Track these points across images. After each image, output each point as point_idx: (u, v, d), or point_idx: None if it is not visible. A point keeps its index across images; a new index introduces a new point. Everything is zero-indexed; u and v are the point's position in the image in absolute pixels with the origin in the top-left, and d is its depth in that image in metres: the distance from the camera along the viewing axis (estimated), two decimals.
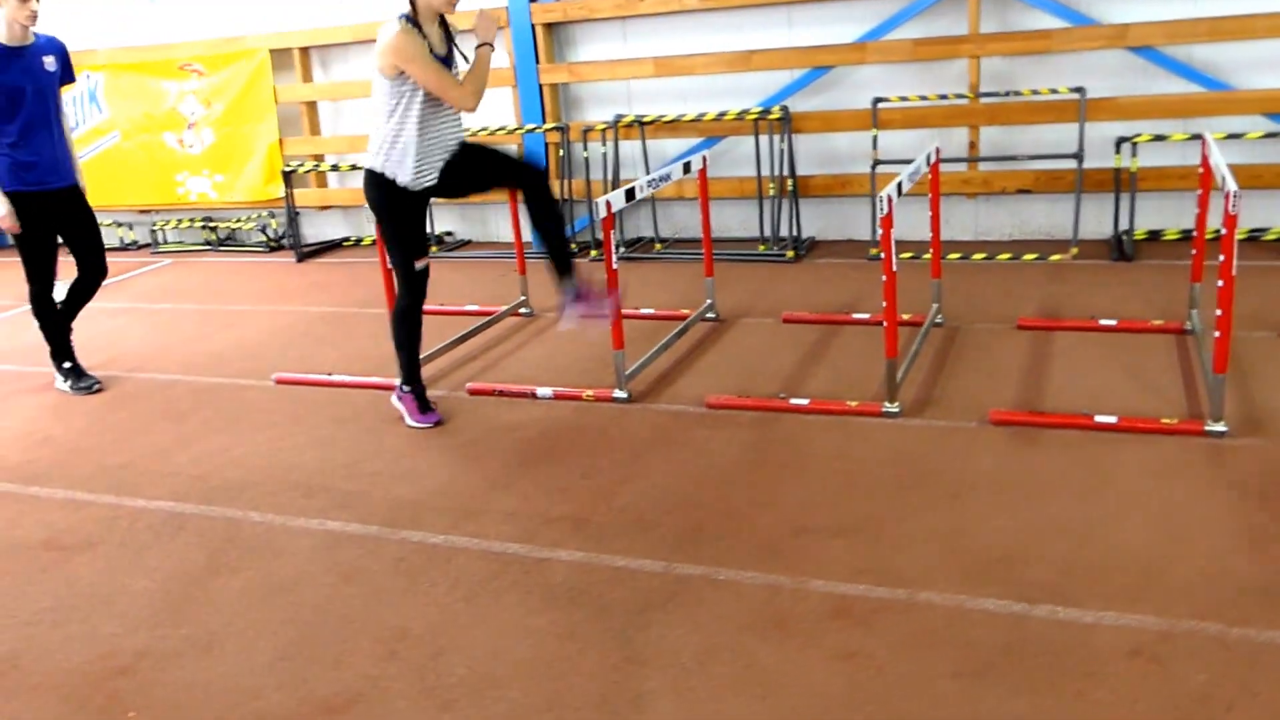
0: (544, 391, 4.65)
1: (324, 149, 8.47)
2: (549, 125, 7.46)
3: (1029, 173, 6.57)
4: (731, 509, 3.49)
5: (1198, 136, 5.94)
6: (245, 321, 6.40)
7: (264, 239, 8.72)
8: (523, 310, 5.96)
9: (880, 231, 3.91)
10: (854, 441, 3.91)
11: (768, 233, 7.00)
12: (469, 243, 8.25)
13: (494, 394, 4.73)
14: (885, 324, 4.03)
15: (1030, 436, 3.82)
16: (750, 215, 7.23)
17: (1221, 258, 3.56)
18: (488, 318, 5.77)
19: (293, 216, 8.28)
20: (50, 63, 4.86)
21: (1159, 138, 6.11)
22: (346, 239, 8.62)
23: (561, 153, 7.50)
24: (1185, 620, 2.67)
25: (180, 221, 9.03)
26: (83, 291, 5.23)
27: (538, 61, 7.43)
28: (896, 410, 4.09)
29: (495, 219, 8.19)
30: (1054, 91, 6.30)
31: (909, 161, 6.52)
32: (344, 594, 3.17)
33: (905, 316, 4.84)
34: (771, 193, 6.95)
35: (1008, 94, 6.43)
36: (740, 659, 2.67)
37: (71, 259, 5.17)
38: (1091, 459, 3.62)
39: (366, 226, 8.59)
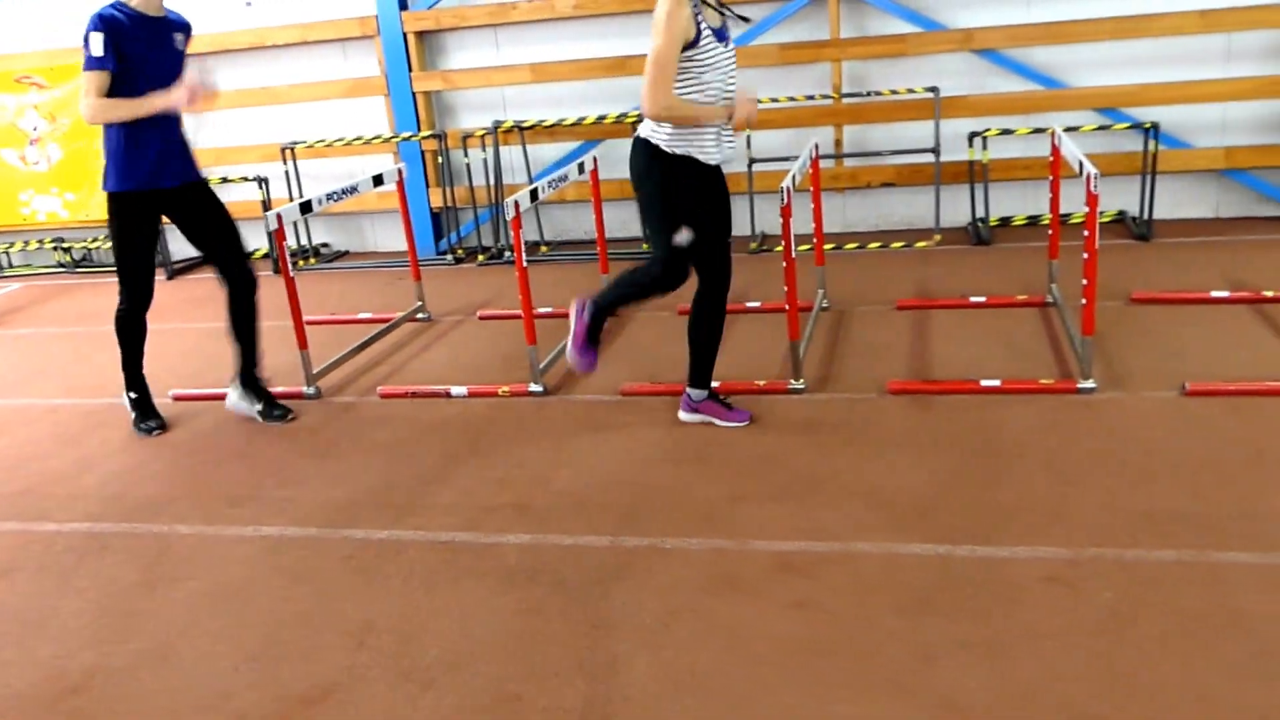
0: (458, 390, 4.75)
1: None
2: (425, 133, 7.52)
3: (891, 167, 7.00)
4: (665, 484, 3.69)
5: (1039, 130, 6.50)
6: None
7: None
8: (420, 315, 6.03)
9: (781, 223, 4.17)
10: (767, 416, 4.17)
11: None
12: (346, 253, 8.22)
13: (408, 396, 4.81)
14: (787, 307, 4.30)
15: (926, 403, 4.15)
16: (631, 216, 7.46)
17: (1086, 234, 3.99)
18: (385, 324, 5.81)
19: (159, 233, 8.04)
20: (180, 40, 4.41)
21: (1006, 132, 6.63)
22: None
23: (440, 160, 7.57)
24: (1088, 548, 3.01)
25: (28, 243, 8.67)
26: (242, 313, 4.66)
27: (410, 70, 7.48)
28: (802, 386, 4.38)
29: (371, 229, 8.18)
30: (911, 91, 6.74)
31: (782, 159, 6.93)
32: (298, 594, 3.22)
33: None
34: None
35: (868, 94, 6.85)
36: (701, 617, 2.87)
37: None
38: (983, 419, 3.97)
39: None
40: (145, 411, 4.75)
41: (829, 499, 3.46)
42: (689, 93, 3.67)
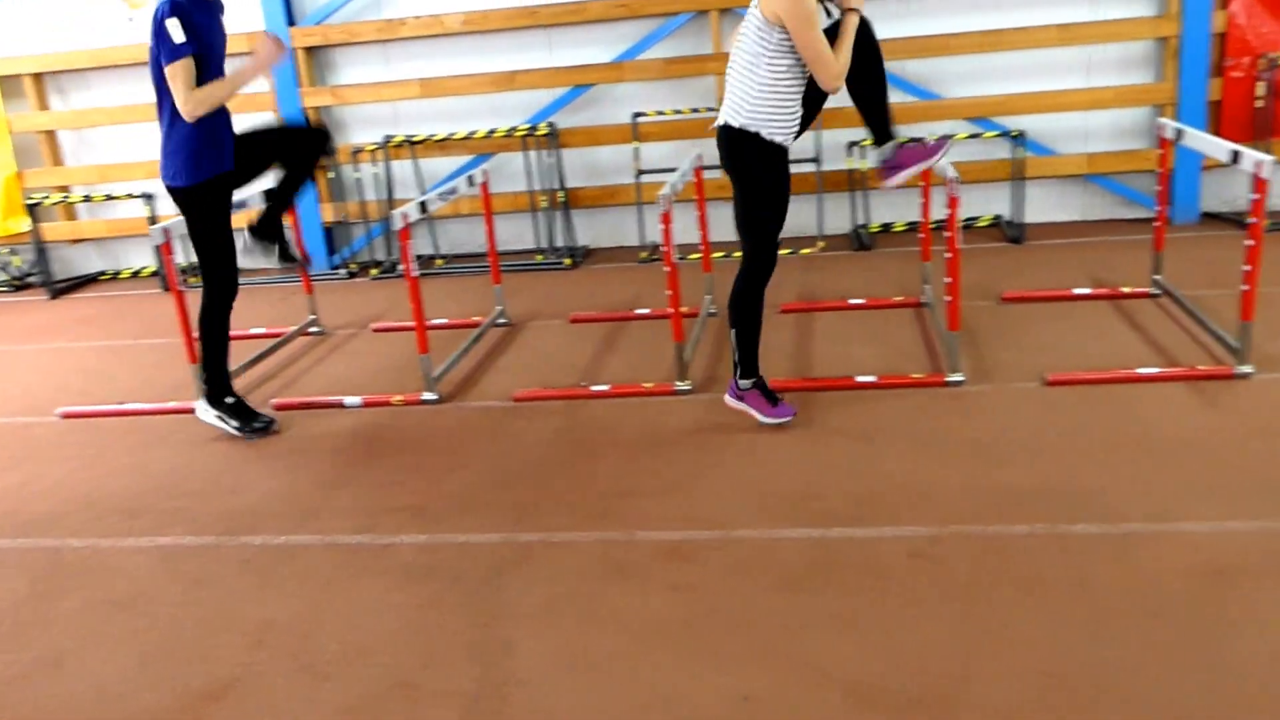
0: (352, 400, 4.81)
1: (71, 180, 8.14)
2: None
3: None
4: (556, 483, 3.82)
5: (915, 139, 6.80)
6: (5, 362, 6.13)
7: (4, 278, 8.26)
8: (313, 329, 6.05)
9: (662, 230, 4.34)
10: (655, 417, 4.33)
11: (544, 243, 7.38)
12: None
13: (301, 407, 4.84)
14: (671, 312, 4.47)
15: (804, 399, 4.36)
16: (524, 228, 7.58)
17: (948, 235, 4.24)
18: (278, 338, 5.82)
19: (41, 252, 7.91)
20: (224, 24, 4.28)
21: None
22: (103, 273, 8.30)
23: (331, 175, 7.59)
24: (950, 525, 3.24)
25: None
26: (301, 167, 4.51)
27: (299, 85, 7.48)
28: (688, 388, 4.55)
29: None
30: None
31: (669, 170, 7.12)
32: (195, 598, 3.26)
33: (684, 309, 5.31)
34: (544, 205, 7.33)
35: None
36: (590, 602, 3.00)
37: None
38: (857, 411, 4.20)
39: (124, 258, 8.32)
40: (247, 414, 4.54)
41: (711, 491, 3.64)
42: (793, 78, 3.74)
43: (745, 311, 4.00)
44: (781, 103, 3.76)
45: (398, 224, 4.50)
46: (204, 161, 4.18)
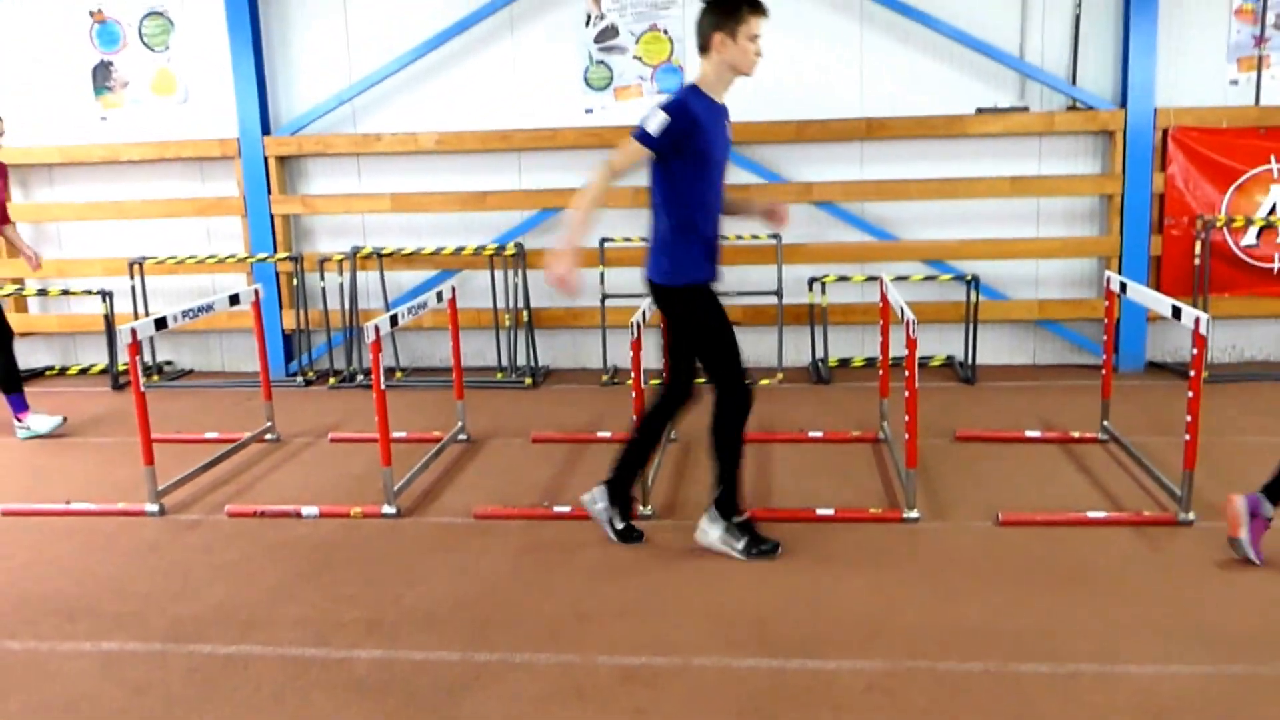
0: (309, 510, 4.75)
1: (24, 273, 8.05)
2: (281, 255, 7.57)
3: (737, 307, 7.39)
4: (514, 602, 3.79)
5: (874, 278, 7.04)
6: None
7: None
8: (268, 436, 6.00)
9: (631, 356, 4.42)
10: (615, 542, 4.33)
11: (505, 361, 7.43)
12: (191, 372, 8.08)
13: (256, 515, 4.77)
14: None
15: (765, 529, 4.36)
16: (485, 345, 7.64)
17: (906, 374, 4.36)
18: (232, 444, 5.76)
19: None
20: (729, 129, 4.10)
21: (843, 279, 7.16)
22: (50, 368, 8.18)
23: (295, 282, 7.63)
24: (905, 660, 3.26)
25: None
26: (725, 419, 4.13)
27: (269, 192, 7.57)
28: (650, 513, 4.57)
29: (219, 347, 8.09)
30: (755, 237, 7.22)
31: (634, 295, 7.24)
32: (137, 705, 3.16)
33: None
34: (507, 324, 7.41)
35: None
36: None
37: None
38: (816, 544, 4.23)
39: (74, 354, 8.23)
40: (755, 535, 4.18)
41: (670, 616, 3.63)
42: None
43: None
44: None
45: (370, 336, 4.53)
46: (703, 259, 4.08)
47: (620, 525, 4.30)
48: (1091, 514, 4.44)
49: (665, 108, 3.80)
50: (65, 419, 6.33)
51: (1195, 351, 4.09)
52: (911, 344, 4.33)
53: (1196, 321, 4.03)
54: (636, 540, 4.30)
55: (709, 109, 3.91)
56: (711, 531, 4.17)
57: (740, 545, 4.12)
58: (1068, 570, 3.94)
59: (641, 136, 3.80)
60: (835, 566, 4.02)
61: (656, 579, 3.95)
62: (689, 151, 3.84)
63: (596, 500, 4.31)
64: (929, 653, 3.31)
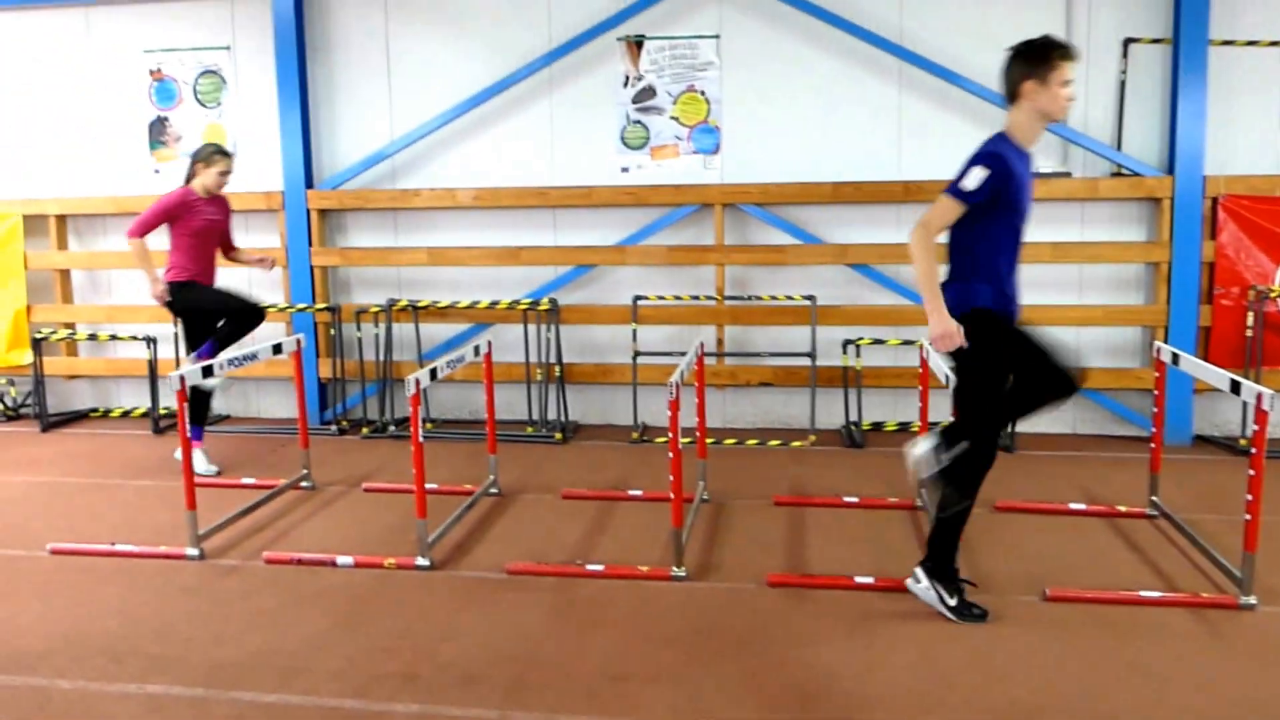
0: (344, 560, 4.72)
1: (77, 317, 8.21)
2: (320, 305, 7.63)
3: (769, 368, 7.39)
4: (550, 661, 3.74)
5: (910, 341, 7.00)
6: None
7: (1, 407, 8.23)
8: (304, 484, 5.99)
9: (669, 416, 4.39)
10: (650, 601, 4.27)
11: (535, 415, 7.41)
12: (227, 417, 8.12)
13: (293, 563, 4.75)
14: (672, 497, 4.47)
15: (802, 595, 4.32)
16: (515, 398, 7.62)
17: None
18: (269, 490, 5.77)
19: (39, 384, 7.88)
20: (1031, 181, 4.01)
21: (878, 341, 7.11)
22: (94, 410, 8.27)
23: (332, 332, 7.66)
24: None
25: None
26: (965, 468, 4.05)
27: (310, 244, 7.64)
28: (684, 574, 4.51)
29: (255, 394, 8.14)
30: (789, 298, 7.21)
31: (665, 354, 7.26)
32: None
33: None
34: (539, 378, 7.41)
35: (749, 298, 7.29)
36: None
37: None
38: (856, 613, 4.15)
39: (116, 397, 8.30)
40: (964, 595, 4.16)
41: (708, 683, 3.56)
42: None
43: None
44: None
45: (410, 389, 4.53)
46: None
47: (953, 601, 4.11)
48: (1144, 593, 4.30)
49: (982, 161, 3.78)
50: (219, 470, 6.41)
51: (1257, 428, 3.96)
52: (957, 411, 4.27)
53: (1259, 397, 3.91)
54: (979, 619, 4.07)
55: (1019, 158, 3.89)
56: (924, 583, 4.14)
57: (953, 603, 4.06)
58: (1123, 653, 3.81)
59: (958, 193, 3.81)
60: (878, 637, 3.93)
61: (691, 642, 3.88)
62: (1002, 203, 3.83)
63: (919, 580, 4.18)
64: None
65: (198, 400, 6.32)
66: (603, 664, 3.70)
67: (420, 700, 3.43)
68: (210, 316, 6.25)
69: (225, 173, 6.23)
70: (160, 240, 6.29)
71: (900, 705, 3.40)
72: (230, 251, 6.55)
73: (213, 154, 6.22)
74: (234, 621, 4.12)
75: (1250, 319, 6.81)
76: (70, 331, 8.08)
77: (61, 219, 8.10)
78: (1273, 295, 6.76)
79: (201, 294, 6.25)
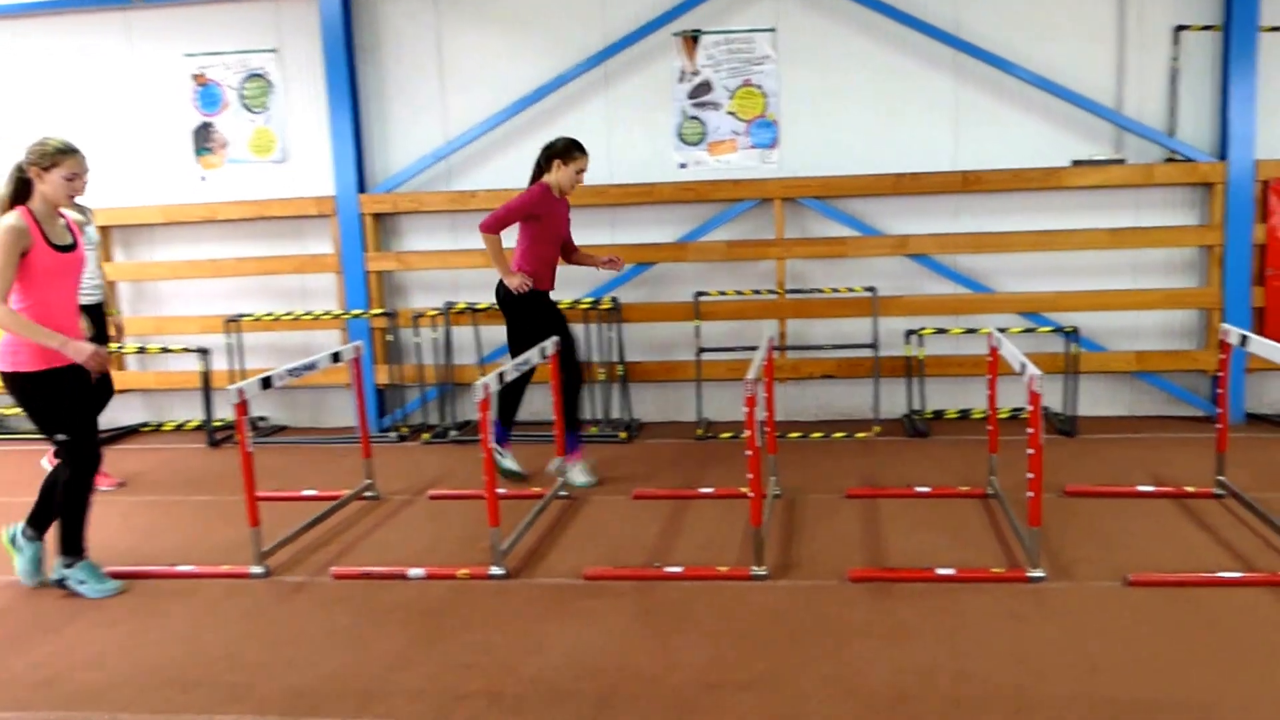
0: (415, 572, 4.68)
1: (126, 330, 8.24)
2: (376, 311, 7.65)
3: (831, 360, 7.33)
4: (638, 671, 3.68)
5: (971, 331, 6.93)
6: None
7: None
8: (368, 493, 5.99)
9: (746, 413, 4.35)
10: (732, 603, 4.22)
11: (599, 415, 7.40)
12: (285, 428, 8.16)
13: (362, 577, 4.72)
14: (751, 495, 4.43)
15: (885, 590, 4.26)
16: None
17: (1030, 431, 4.23)
18: (333, 502, 5.75)
19: None
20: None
21: (941, 331, 7.03)
22: (145, 424, 8.30)
23: (389, 338, 7.69)
24: None
25: None
26: None
27: (365, 250, 7.66)
28: (765, 573, 4.46)
29: (313, 403, 8.16)
30: (850, 290, 7.14)
31: (727, 349, 7.22)
32: None
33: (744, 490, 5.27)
34: (602, 377, 7.39)
35: (810, 291, 7.23)
36: None
37: None
38: (942, 606, 4.09)
39: (168, 411, 8.35)
40: None
41: (802, 688, 3.50)
42: None
43: None
44: None
45: (479, 394, 4.51)
46: None
47: None
48: (1224, 574, 4.25)
49: None
50: (598, 481, 6.13)
51: None
52: (1035, 399, 4.21)
53: None
54: None
55: None
56: None
57: None
58: (1213, 636, 3.75)
59: None
60: (969, 631, 3.87)
61: (781, 646, 3.83)
62: None
63: None
64: None
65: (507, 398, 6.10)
66: (694, 672, 3.65)
67: None
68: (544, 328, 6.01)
69: (583, 170, 5.95)
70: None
71: (997, 704, 3.33)
72: (573, 253, 6.33)
73: (569, 147, 5.89)
74: (305, 643, 4.03)
75: None
76: (119, 345, 8.10)
77: (106, 230, 8.10)
78: None
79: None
